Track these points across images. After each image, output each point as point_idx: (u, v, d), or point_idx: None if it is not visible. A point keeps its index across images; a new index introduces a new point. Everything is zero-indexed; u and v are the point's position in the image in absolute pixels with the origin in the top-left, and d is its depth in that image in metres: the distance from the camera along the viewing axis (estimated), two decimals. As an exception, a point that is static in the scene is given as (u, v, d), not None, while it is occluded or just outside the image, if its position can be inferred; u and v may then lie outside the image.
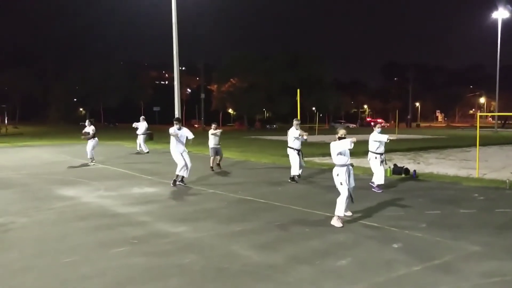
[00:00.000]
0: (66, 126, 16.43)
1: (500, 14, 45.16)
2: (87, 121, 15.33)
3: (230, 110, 76.83)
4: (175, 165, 13.99)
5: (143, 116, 19.48)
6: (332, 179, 6.81)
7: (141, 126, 18.68)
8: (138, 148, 18.55)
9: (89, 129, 14.63)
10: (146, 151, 18.26)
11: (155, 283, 4.30)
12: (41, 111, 76.86)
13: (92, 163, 14.24)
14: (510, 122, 72.23)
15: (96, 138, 14.62)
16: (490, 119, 75.33)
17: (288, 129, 10.70)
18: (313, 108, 64.99)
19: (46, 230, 6.31)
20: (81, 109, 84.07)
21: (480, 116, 12.73)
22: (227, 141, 23.74)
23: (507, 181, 9.96)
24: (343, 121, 75.72)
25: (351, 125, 70.71)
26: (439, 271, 4.57)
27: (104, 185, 10.14)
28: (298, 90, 15.26)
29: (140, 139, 18.57)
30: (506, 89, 63.39)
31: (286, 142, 10.05)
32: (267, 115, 76.80)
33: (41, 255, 5.14)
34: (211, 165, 12.82)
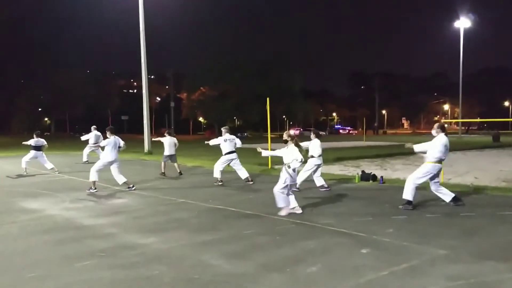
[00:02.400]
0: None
1: (462, 23, 46.83)
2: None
3: (201, 119, 76.50)
4: (143, 175, 13.82)
5: (94, 126, 18.60)
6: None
7: (91, 136, 18.11)
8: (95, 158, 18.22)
9: (31, 141, 14.50)
10: (85, 160, 18.10)
11: (123, 296, 4.21)
12: (4, 122, 74.42)
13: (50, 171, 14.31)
14: (473, 128, 74.73)
15: (34, 151, 14.46)
16: (454, 125, 77.81)
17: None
18: (283, 116, 65.52)
19: (8, 244, 6.08)
20: (46, 118, 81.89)
21: (444, 123, 13.08)
22: (198, 150, 23.61)
23: (471, 185, 10.29)
24: (312, 128, 76.42)
25: (321, 132, 71.57)
26: (406, 275, 4.66)
27: (69, 196, 9.88)
28: (268, 99, 15.34)
29: (88, 149, 18.23)
30: (469, 96, 65.72)
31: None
32: (238, 123, 76.83)
33: (4, 271, 4.95)
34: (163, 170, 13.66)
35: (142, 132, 25.43)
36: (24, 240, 6.27)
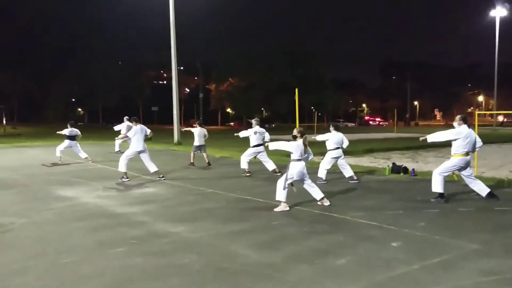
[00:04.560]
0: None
1: (498, 13, 45.24)
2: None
3: (229, 110, 76.86)
4: (172, 165, 14.03)
5: (126, 117, 17.87)
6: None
7: (123, 126, 17.72)
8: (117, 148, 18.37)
9: (66, 131, 14.92)
10: (117, 149, 18.16)
11: (154, 283, 4.30)
12: (40, 111, 76.78)
13: (60, 161, 14.57)
14: (508, 120, 72.28)
15: (68, 140, 14.85)
16: (488, 117, 75.48)
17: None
18: (312, 107, 65.04)
19: (45, 230, 6.30)
20: (79, 109, 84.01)
21: (479, 115, 12.71)
22: (226, 141, 23.74)
23: (506, 179, 9.98)
24: (341, 120, 75.70)
25: (350, 124, 70.78)
26: (438, 269, 4.58)
27: (102, 185, 10.13)
28: (296, 90, 15.25)
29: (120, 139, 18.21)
30: (504, 87, 63.51)
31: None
32: (266, 114, 76.82)
33: (40, 256, 5.14)
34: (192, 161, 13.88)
35: (171, 123, 25.73)
36: (59, 227, 6.49)
